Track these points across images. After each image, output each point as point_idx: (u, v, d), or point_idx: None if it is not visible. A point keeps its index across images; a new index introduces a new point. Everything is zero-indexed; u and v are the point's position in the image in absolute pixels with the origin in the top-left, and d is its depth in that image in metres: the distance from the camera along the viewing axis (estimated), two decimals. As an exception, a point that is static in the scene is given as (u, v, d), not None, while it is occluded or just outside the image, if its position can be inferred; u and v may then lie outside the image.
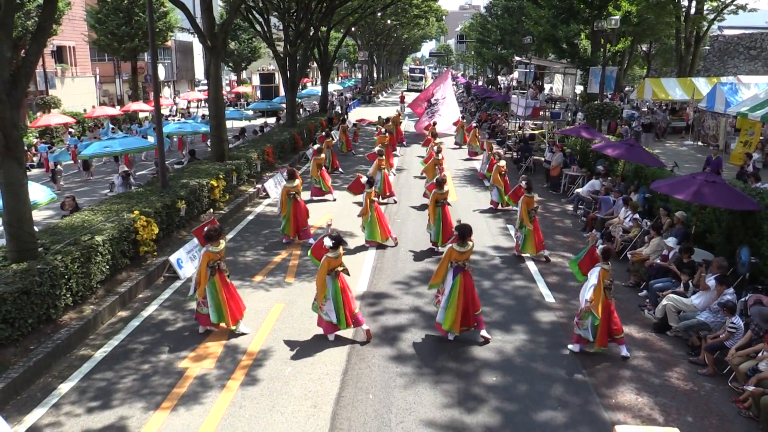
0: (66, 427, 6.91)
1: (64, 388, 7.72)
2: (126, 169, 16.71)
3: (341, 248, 8.91)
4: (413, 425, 6.96)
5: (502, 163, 16.75)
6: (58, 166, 20.76)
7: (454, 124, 28.88)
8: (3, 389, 7.22)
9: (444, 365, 8.36)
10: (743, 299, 9.05)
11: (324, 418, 7.05)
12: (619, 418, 7.20)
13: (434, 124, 26.03)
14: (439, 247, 12.78)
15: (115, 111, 35.26)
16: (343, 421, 7.00)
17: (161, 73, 55.43)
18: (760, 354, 7.62)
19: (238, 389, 7.67)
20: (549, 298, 10.77)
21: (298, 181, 13.45)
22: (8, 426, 6.69)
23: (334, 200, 17.60)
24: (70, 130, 28.70)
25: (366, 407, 7.29)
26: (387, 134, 23.02)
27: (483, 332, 9.03)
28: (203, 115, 35.52)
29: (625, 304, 10.54)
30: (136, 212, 11.44)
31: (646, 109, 31.59)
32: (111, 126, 29.52)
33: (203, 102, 53.35)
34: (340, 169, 22.42)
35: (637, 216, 13.20)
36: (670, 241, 10.92)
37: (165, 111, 39.43)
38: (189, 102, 50.74)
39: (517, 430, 6.94)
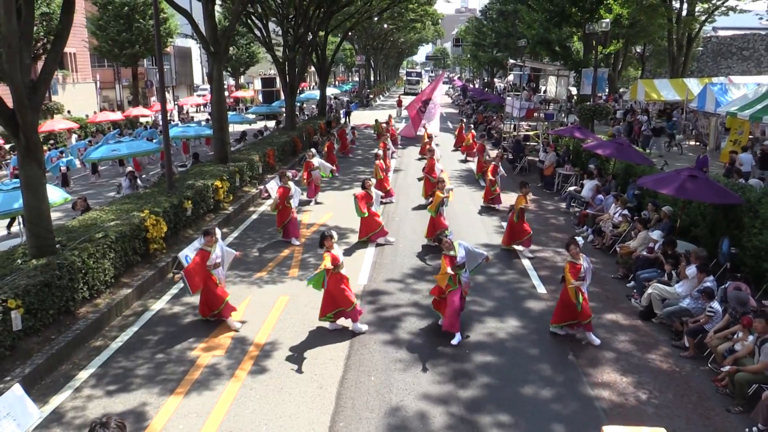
0: (88, 409, 7.40)
1: (84, 374, 8.22)
2: (133, 170, 17.22)
3: (324, 246, 9.25)
4: (412, 403, 7.48)
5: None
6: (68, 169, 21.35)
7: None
8: (29, 374, 7.73)
9: (440, 350, 8.87)
10: (724, 287, 9.59)
11: (329, 398, 7.57)
12: (603, 394, 7.73)
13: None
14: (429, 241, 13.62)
15: (117, 116, 35.77)
16: (347, 400, 7.52)
17: (161, 78, 55.91)
18: (735, 336, 8.16)
19: (248, 374, 8.17)
20: (540, 289, 11.30)
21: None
22: (36, 407, 7.20)
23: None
24: (74, 134, 29.26)
25: (368, 388, 7.81)
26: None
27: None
28: (207, 119, 36.03)
29: (614, 294, 11.10)
30: (146, 211, 11.96)
31: (640, 110, 32.11)
32: (118, 131, 30.02)
33: (202, 107, 53.95)
34: (337, 173, 22.86)
35: (626, 211, 13.74)
36: (654, 234, 11.46)
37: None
38: (190, 106, 51.28)
39: (509, 406, 7.45)
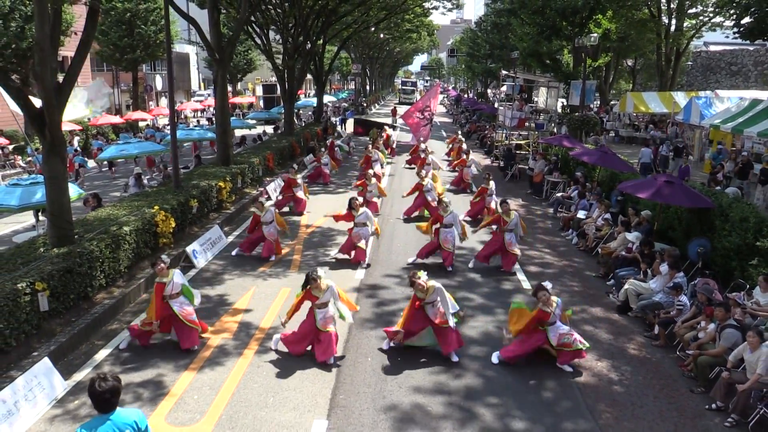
0: (108, 383, 8.08)
1: (103, 353, 8.93)
2: (140, 171, 17.94)
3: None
4: (405, 382, 8.23)
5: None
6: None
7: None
8: (54, 351, 8.41)
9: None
10: (693, 283, 10.42)
11: (330, 375, 8.31)
12: (580, 378, 8.50)
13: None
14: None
15: (118, 120, 36.44)
16: (346, 377, 8.27)
17: (158, 83, 56.81)
18: (699, 325, 8.95)
19: (255, 354, 8.91)
20: (526, 284, 12.09)
21: None
22: (62, 378, 7.90)
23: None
24: (76, 137, 29.98)
25: (366, 367, 8.57)
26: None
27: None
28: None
29: (595, 291, 11.90)
30: (156, 207, 12.68)
31: (641, 124, 32.88)
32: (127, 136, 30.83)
33: (199, 112, 54.71)
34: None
35: (608, 215, 14.56)
36: (630, 236, 12.31)
37: (165, 120, 40.83)
38: (189, 111, 52.05)
39: (494, 389, 8.20)
